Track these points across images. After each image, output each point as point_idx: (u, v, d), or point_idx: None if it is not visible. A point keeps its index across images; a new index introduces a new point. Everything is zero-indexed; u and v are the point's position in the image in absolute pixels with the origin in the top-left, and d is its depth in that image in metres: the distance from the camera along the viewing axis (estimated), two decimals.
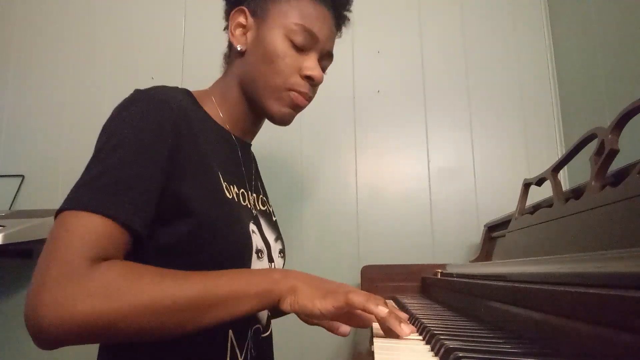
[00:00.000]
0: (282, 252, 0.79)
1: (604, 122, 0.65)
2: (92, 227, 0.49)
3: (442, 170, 1.45)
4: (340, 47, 1.54)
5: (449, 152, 1.46)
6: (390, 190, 1.45)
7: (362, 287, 1.28)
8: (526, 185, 0.97)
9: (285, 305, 0.53)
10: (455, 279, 0.86)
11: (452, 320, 0.63)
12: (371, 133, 1.49)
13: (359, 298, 0.52)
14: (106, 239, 0.50)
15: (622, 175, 0.59)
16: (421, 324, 0.57)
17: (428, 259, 1.39)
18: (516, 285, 0.49)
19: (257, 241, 0.69)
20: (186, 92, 0.71)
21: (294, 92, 0.71)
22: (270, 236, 0.76)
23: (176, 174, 0.59)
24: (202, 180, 0.62)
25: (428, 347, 0.47)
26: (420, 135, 1.48)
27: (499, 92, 1.47)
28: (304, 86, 0.72)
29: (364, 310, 0.52)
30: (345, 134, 1.50)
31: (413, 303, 0.92)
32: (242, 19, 0.74)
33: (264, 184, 0.93)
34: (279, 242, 0.79)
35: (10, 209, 1.56)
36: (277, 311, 0.85)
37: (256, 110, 0.76)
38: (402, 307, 0.84)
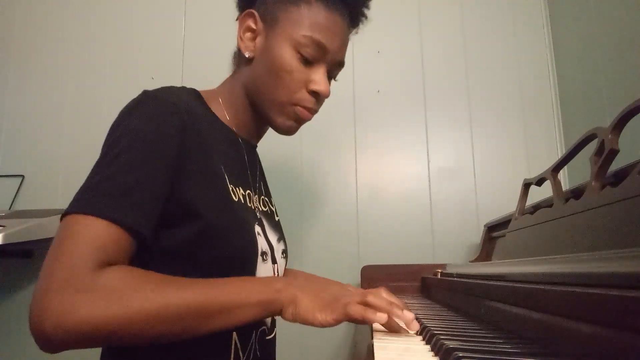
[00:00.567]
0: (284, 252, 0.78)
1: (604, 122, 0.65)
2: (97, 232, 0.49)
3: (442, 170, 1.45)
4: None
5: (449, 152, 1.46)
6: (390, 190, 1.45)
7: (362, 287, 1.28)
8: (526, 185, 0.97)
9: (287, 316, 0.54)
10: (455, 279, 0.86)
11: (452, 320, 0.63)
12: (371, 133, 1.49)
13: (358, 310, 0.53)
14: (111, 244, 0.50)
15: (622, 175, 0.59)
16: (421, 324, 0.57)
17: (428, 259, 1.39)
18: (516, 285, 0.49)
19: (261, 243, 0.69)
20: (194, 93, 0.71)
21: (299, 107, 0.71)
22: (273, 237, 0.76)
23: (182, 177, 0.59)
24: (208, 183, 0.62)
25: (428, 347, 0.47)
26: (420, 135, 1.48)
27: (499, 92, 1.47)
28: (309, 101, 0.71)
29: (364, 321, 0.53)
30: (345, 134, 1.50)
31: (413, 303, 0.92)
32: (251, 23, 0.72)
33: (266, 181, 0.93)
34: (282, 242, 0.79)
35: (10, 209, 1.56)
36: None
37: (261, 118, 0.76)
38: None
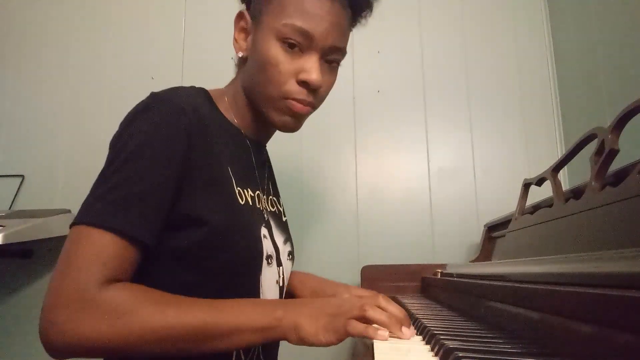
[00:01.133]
0: (290, 254, 0.78)
1: (604, 122, 0.65)
2: (103, 246, 0.51)
3: (442, 170, 1.45)
4: None
5: (449, 152, 1.46)
6: (390, 190, 1.45)
7: (362, 287, 1.28)
8: (526, 185, 0.97)
9: (291, 341, 0.55)
10: (455, 279, 0.86)
11: (452, 320, 0.63)
12: (371, 133, 1.49)
13: (358, 329, 0.53)
14: (117, 257, 0.52)
15: (622, 175, 0.59)
16: (421, 324, 0.57)
17: (428, 259, 1.39)
18: (516, 285, 0.49)
19: (267, 247, 0.68)
20: (203, 93, 0.70)
21: (290, 101, 0.67)
22: (280, 239, 0.75)
23: (189, 183, 0.59)
24: (214, 188, 0.62)
25: (428, 347, 0.47)
26: (420, 135, 1.47)
27: (499, 92, 1.47)
28: (299, 92, 0.66)
29: (365, 337, 0.54)
30: (345, 134, 1.50)
31: (413, 303, 0.92)
32: (243, 23, 0.71)
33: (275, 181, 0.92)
34: (288, 244, 0.78)
35: (10, 209, 1.56)
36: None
37: (262, 116, 0.75)
38: (402, 307, 0.84)
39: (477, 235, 1.33)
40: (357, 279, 1.32)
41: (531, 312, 0.45)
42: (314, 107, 0.70)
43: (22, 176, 1.60)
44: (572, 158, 0.77)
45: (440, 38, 1.53)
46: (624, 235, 0.51)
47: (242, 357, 0.65)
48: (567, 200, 0.72)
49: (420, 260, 1.36)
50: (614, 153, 0.61)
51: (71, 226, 0.53)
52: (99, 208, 0.53)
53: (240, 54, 0.70)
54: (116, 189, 0.54)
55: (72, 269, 0.50)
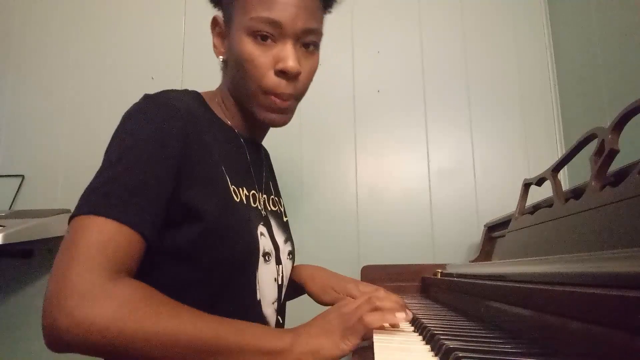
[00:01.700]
0: (291, 253, 0.78)
1: (604, 122, 0.65)
2: (109, 235, 0.50)
3: (442, 170, 1.45)
4: (340, 47, 1.55)
5: (449, 152, 1.46)
6: (390, 190, 1.45)
7: None
8: (526, 185, 0.97)
9: None
10: (455, 279, 0.86)
11: (452, 320, 0.63)
12: (371, 133, 1.49)
13: (376, 318, 0.53)
14: (123, 247, 0.51)
15: (622, 175, 0.59)
16: (421, 324, 0.57)
17: (428, 259, 1.39)
18: (516, 285, 0.49)
19: (265, 244, 0.69)
20: (195, 95, 0.71)
21: (271, 97, 0.66)
22: (280, 238, 0.75)
23: (184, 180, 0.59)
24: (209, 185, 0.62)
25: (428, 347, 0.47)
26: (420, 135, 1.47)
27: (499, 92, 1.47)
28: (279, 85, 0.65)
29: (385, 323, 0.54)
30: (345, 134, 1.50)
31: (413, 303, 0.92)
32: (218, 28, 0.72)
33: (276, 181, 0.92)
34: (289, 243, 0.78)
35: (10, 209, 1.56)
36: (295, 294, 0.85)
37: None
38: None
39: (477, 235, 1.33)
40: (357, 279, 1.32)
41: (531, 312, 0.45)
42: (296, 97, 0.70)
43: (22, 176, 1.60)
44: (572, 158, 0.77)
45: (440, 38, 1.53)
46: (624, 235, 0.51)
47: None
48: (567, 200, 0.72)
49: (420, 260, 1.36)
50: (614, 153, 0.61)
51: (70, 219, 0.53)
52: (101, 199, 0.52)
53: (221, 58, 0.71)
54: (115, 182, 0.54)
55: (80, 257, 0.48)
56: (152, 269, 0.58)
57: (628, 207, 0.51)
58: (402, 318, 0.54)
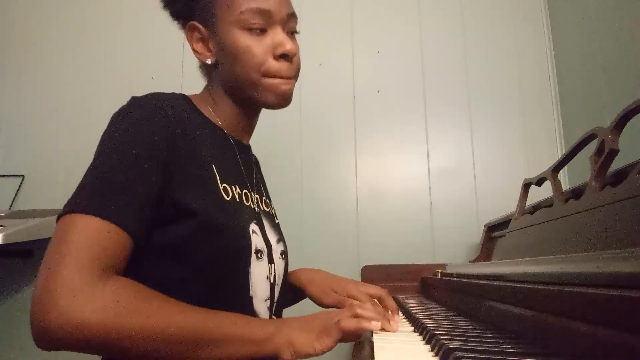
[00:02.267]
0: (283, 253, 0.78)
1: (604, 122, 0.65)
2: (96, 233, 0.51)
3: (442, 170, 1.45)
4: (340, 47, 1.55)
5: (449, 152, 1.46)
6: (390, 190, 1.45)
7: None
8: (526, 185, 0.97)
9: (286, 357, 0.56)
10: (455, 279, 0.86)
11: (452, 320, 0.63)
12: (371, 133, 1.49)
13: (351, 323, 0.55)
14: (110, 245, 0.51)
15: (622, 175, 0.59)
16: (421, 324, 0.57)
17: (428, 259, 1.39)
18: (516, 285, 0.49)
19: (257, 242, 0.69)
20: (183, 98, 0.72)
21: (273, 79, 0.70)
22: (272, 237, 0.76)
23: (174, 179, 0.60)
24: (201, 183, 0.63)
25: (428, 347, 0.47)
26: (420, 135, 1.48)
27: (499, 92, 1.47)
28: (279, 69, 0.70)
29: (358, 330, 0.56)
30: (345, 134, 1.50)
31: (413, 303, 0.92)
32: (197, 34, 0.73)
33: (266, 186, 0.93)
34: (281, 243, 0.79)
35: (10, 209, 1.56)
36: (295, 299, 0.86)
37: (251, 108, 0.76)
38: (402, 307, 0.84)
39: (477, 235, 1.33)
40: (357, 279, 1.32)
41: (531, 312, 0.45)
42: (296, 77, 0.74)
43: (22, 176, 1.60)
44: (572, 158, 0.77)
45: (440, 38, 1.53)
46: (624, 235, 0.51)
47: None
48: (567, 200, 0.72)
49: (420, 260, 1.36)
50: (614, 153, 0.61)
51: (58, 217, 0.53)
52: (90, 198, 0.53)
53: (209, 61, 0.72)
54: (101, 180, 0.55)
55: (70, 254, 0.48)
56: (144, 267, 0.59)
57: (628, 207, 0.51)
58: (376, 327, 0.56)
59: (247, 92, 0.71)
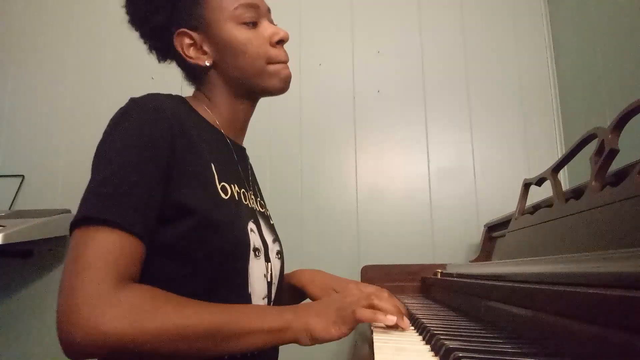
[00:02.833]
0: (279, 253, 0.79)
1: (604, 122, 0.65)
2: (112, 244, 0.53)
3: (442, 170, 1.45)
4: (340, 47, 1.55)
5: (449, 152, 1.46)
6: (390, 190, 1.45)
7: None
8: (526, 185, 0.97)
9: (305, 342, 0.57)
10: (455, 279, 0.86)
11: (452, 320, 0.63)
12: (371, 133, 1.49)
13: (366, 314, 0.57)
14: (125, 254, 0.53)
15: (622, 175, 0.59)
16: (421, 324, 0.57)
17: (428, 259, 1.39)
18: (516, 285, 0.49)
19: (254, 239, 0.70)
20: (179, 98, 0.74)
21: (277, 65, 0.74)
22: (269, 237, 0.76)
23: (175, 179, 0.61)
24: (198, 181, 0.64)
25: (428, 347, 0.47)
26: (420, 135, 1.48)
27: (499, 92, 1.47)
28: (279, 54, 0.75)
29: (374, 322, 0.57)
30: (345, 134, 1.50)
31: (413, 303, 0.92)
32: (187, 40, 0.74)
33: (262, 187, 0.94)
34: (277, 243, 0.79)
35: (10, 209, 1.56)
36: (295, 300, 0.86)
37: (251, 101, 0.78)
38: None
39: (477, 235, 1.33)
40: (357, 279, 1.32)
41: (531, 312, 0.45)
42: (288, 62, 0.79)
43: (22, 176, 1.60)
44: (572, 158, 0.77)
45: (440, 38, 1.53)
46: (624, 235, 0.51)
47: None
48: (567, 200, 0.72)
49: (420, 260, 1.36)
50: (614, 153, 0.61)
51: (71, 228, 0.55)
52: (94, 204, 0.54)
53: (207, 63, 0.74)
54: (108, 185, 0.55)
55: (87, 268, 0.51)
56: (144, 265, 0.59)
57: (628, 207, 0.51)
58: (392, 321, 0.57)
59: (253, 81, 0.74)
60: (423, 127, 1.48)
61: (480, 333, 0.50)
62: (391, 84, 1.51)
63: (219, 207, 0.65)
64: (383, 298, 0.61)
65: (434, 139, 1.47)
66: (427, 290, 1.16)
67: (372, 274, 1.29)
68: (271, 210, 0.88)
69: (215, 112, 0.76)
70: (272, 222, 0.84)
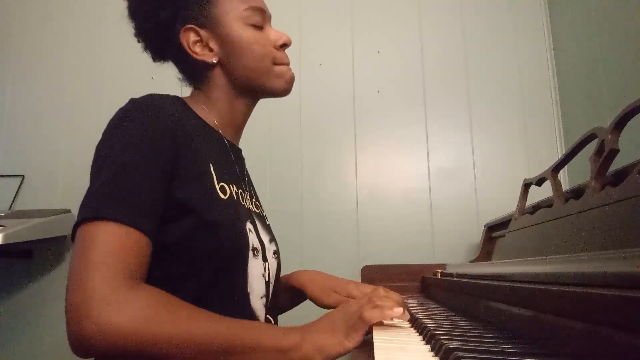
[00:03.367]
0: (276, 253, 0.79)
1: (604, 122, 0.65)
2: (119, 239, 0.52)
3: (442, 170, 1.45)
4: (340, 47, 1.55)
5: (449, 152, 1.46)
6: (390, 190, 1.45)
7: None
8: (526, 185, 0.97)
9: None
10: (455, 279, 0.86)
11: (452, 320, 0.63)
12: (371, 133, 1.49)
13: (375, 314, 0.56)
14: (134, 249, 0.53)
15: (622, 175, 0.59)
16: (421, 324, 0.57)
17: (428, 259, 1.39)
18: (516, 285, 0.49)
19: (253, 239, 0.70)
20: (178, 99, 0.74)
21: (282, 66, 0.77)
22: (265, 237, 0.76)
23: (176, 178, 0.61)
24: (198, 180, 0.64)
25: (428, 347, 0.47)
26: (420, 135, 1.47)
27: (499, 92, 1.47)
28: (283, 57, 0.77)
29: (383, 320, 0.58)
30: (345, 134, 1.50)
31: (413, 303, 0.92)
32: (194, 36, 0.74)
33: (262, 187, 0.94)
34: (273, 243, 0.80)
35: (10, 209, 1.56)
36: (295, 300, 0.86)
37: (252, 101, 0.79)
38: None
39: (477, 235, 1.33)
40: (357, 279, 1.32)
41: (531, 312, 0.45)
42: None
43: (22, 176, 1.60)
44: (572, 158, 0.77)
45: (440, 38, 1.53)
46: (624, 235, 0.51)
47: None
48: (567, 200, 0.72)
49: (420, 260, 1.36)
50: (614, 153, 0.61)
51: (75, 227, 0.54)
52: (100, 202, 0.54)
53: (214, 60, 0.74)
54: (113, 184, 0.55)
55: (96, 264, 0.50)
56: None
57: (628, 207, 0.51)
58: (399, 312, 0.57)
59: (259, 80, 0.75)
60: (423, 127, 1.48)
61: (480, 333, 0.50)
62: (391, 84, 1.51)
63: (219, 207, 0.65)
64: (382, 296, 0.61)
65: (434, 139, 1.47)
66: (427, 290, 1.16)
67: (372, 274, 1.29)
68: (271, 210, 0.88)
69: (213, 112, 0.77)
70: (267, 223, 0.84)
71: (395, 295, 0.64)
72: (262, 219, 0.82)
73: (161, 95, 0.68)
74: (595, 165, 0.63)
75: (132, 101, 0.64)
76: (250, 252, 0.69)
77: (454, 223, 1.40)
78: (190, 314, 0.53)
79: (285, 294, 0.84)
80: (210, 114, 0.76)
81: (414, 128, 1.48)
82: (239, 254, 0.66)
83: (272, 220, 0.85)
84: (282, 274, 0.81)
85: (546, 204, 0.85)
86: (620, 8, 1.09)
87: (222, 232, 0.64)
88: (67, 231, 1.41)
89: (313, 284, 0.84)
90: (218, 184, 0.67)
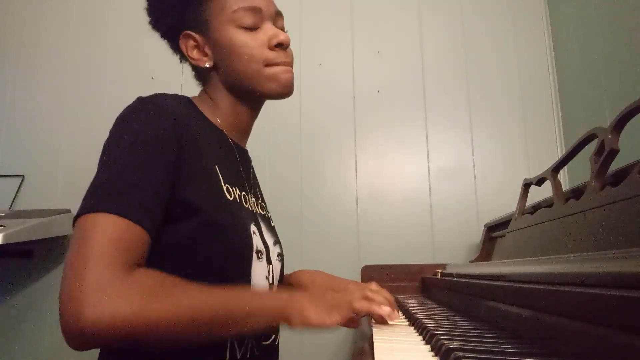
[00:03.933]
0: (280, 255, 0.79)
1: (604, 122, 0.65)
2: (118, 230, 0.52)
3: (442, 170, 1.45)
4: (340, 47, 1.55)
5: (449, 152, 1.46)
6: (390, 190, 1.45)
7: None
8: (526, 185, 0.97)
9: (295, 323, 0.56)
10: (455, 279, 0.86)
11: (452, 320, 0.63)
12: (371, 133, 1.49)
13: (363, 305, 0.59)
14: (132, 242, 0.53)
15: (622, 175, 0.59)
16: (421, 324, 0.57)
17: (428, 259, 1.39)
18: (516, 285, 0.49)
19: (257, 242, 0.70)
20: (185, 99, 0.74)
21: (275, 67, 0.73)
22: (269, 239, 0.76)
23: (180, 176, 0.61)
24: (203, 182, 0.64)
25: (428, 347, 0.47)
26: (420, 135, 1.47)
27: (499, 92, 1.47)
28: (278, 56, 0.73)
29: (370, 314, 0.60)
30: (345, 134, 1.50)
31: (413, 303, 0.92)
32: (191, 42, 0.75)
33: (262, 187, 0.94)
34: (277, 245, 0.80)
35: (10, 209, 1.56)
36: None
37: (253, 104, 0.78)
38: (402, 307, 0.84)
39: (477, 235, 1.33)
40: (357, 279, 1.32)
41: (531, 312, 0.45)
42: (292, 65, 0.77)
43: (22, 176, 1.60)
44: (572, 158, 0.77)
45: (440, 38, 1.53)
46: (624, 235, 0.51)
47: (237, 348, 0.66)
48: (567, 200, 0.72)
49: (420, 260, 1.36)
50: (614, 153, 0.61)
51: (75, 218, 0.54)
52: (101, 196, 0.54)
53: (208, 64, 0.74)
54: (116, 179, 0.55)
55: (96, 254, 0.50)
56: (148, 265, 0.59)
57: (628, 207, 0.51)
58: (386, 312, 0.59)
59: (250, 84, 0.73)
60: (423, 127, 1.48)
61: (480, 333, 0.50)
62: (391, 84, 1.51)
63: (224, 209, 0.65)
64: (374, 290, 0.64)
65: (434, 139, 1.47)
66: (427, 290, 1.16)
67: (372, 274, 1.29)
68: (271, 211, 0.88)
69: (218, 113, 0.77)
70: (272, 225, 0.84)
71: (386, 293, 0.67)
72: (267, 220, 0.82)
73: (168, 94, 0.68)
74: (595, 165, 0.63)
75: (140, 99, 0.64)
76: (254, 255, 0.69)
77: (454, 223, 1.40)
78: (185, 289, 0.54)
79: None
80: (215, 113, 0.76)
81: (414, 128, 1.48)
82: (242, 256, 0.66)
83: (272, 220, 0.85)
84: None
85: (546, 204, 0.85)
86: (620, 8, 1.09)
87: (226, 234, 0.64)
88: (67, 231, 1.41)
89: (314, 283, 0.84)
90: (224, 185, 0.67)
